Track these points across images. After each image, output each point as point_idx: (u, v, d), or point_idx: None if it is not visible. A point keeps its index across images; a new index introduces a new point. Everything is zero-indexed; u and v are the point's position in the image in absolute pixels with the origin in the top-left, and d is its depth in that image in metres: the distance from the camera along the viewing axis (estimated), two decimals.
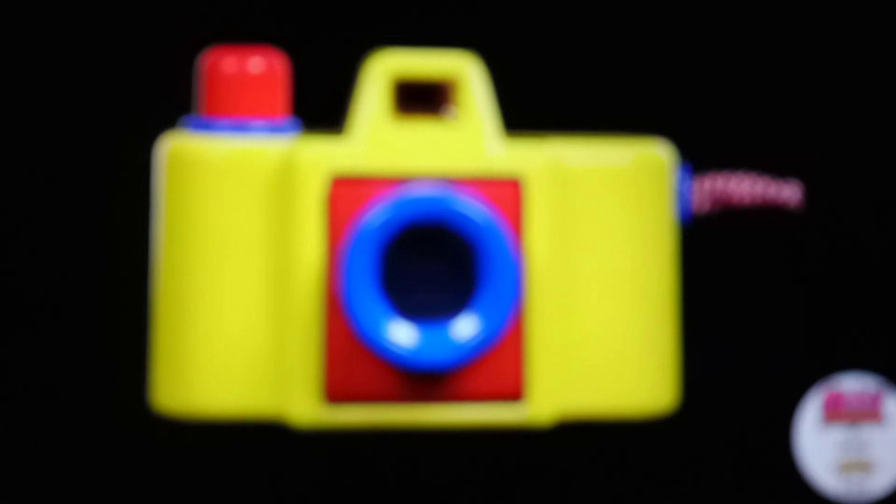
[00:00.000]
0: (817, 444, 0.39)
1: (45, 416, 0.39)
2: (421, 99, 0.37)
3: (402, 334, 0.34)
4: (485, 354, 0.35)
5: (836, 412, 0.39)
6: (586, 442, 0.38)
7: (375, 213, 0.34)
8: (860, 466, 0.39)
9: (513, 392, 0.36)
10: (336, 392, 0.35)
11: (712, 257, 0.40)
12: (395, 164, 0.36)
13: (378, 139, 0.36)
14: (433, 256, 0.35)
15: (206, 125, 0.36)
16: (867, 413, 0.39)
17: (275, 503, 0.39)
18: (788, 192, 0.38)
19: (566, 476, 0.40)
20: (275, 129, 0.36)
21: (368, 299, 0.34)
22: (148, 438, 0.38)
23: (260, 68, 0.36)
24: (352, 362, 0.35)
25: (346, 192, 0.35)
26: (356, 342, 0.35)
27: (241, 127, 0.36)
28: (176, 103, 0.37)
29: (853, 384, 0.39)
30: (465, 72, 0.36)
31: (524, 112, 0.36)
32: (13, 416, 0.39)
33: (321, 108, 0.36)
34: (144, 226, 0.36)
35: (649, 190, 0.37)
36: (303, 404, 0.35)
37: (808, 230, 0.41)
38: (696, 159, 0.38)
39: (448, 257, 0.35)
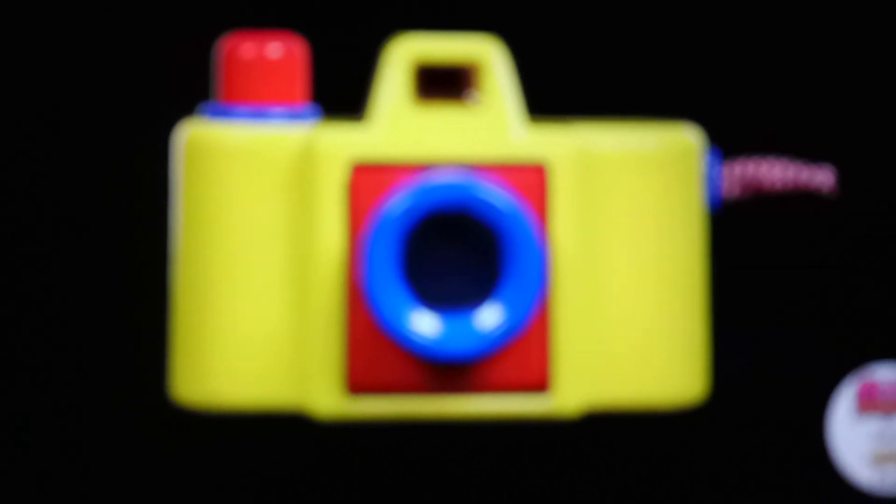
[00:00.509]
0: (851, 434, 0.38)
1: (65, 408, 0.39)
2: (443, 84, 0.36)
3: (424, 324, 0.34)
4: (509, 344, 0.35)
5: (870, 402, 0.38)
6: (613, 433, 0.38)
7: (397, 201, 0.34)
8: (895, 458, 0.38)
9: (538, 383, 0.35)
10: (358, 383, 0.35)
11: (742, 245, 0.39)
12: (416, 151, 0.35)
13: (399, 125, 0.35)
14: (456, 244, 0.35)
15: (224, 112, 0.35)
16: None
17: (296, 495, 0.38)
18: (821, 177, 0.38)
19: (592, 468, 0.39)
20: (294, 115, 0.36)
21: (390, 288, 0.34)
22: (168, 430, 0.38)
23: (279, 54, 0.35)
24: (374, 353, 0.35)
25: (368, 179, 0.35)
26: (378, 332, 0.34)
27: (259, 114, 0.35)
28: (194, 90, 0.37)
29: (888, 374, 0.39)
30: (488, 56, 0.36)
31: (548, 96, 0.36)
32: (33, 407, 0.39)
33: (341, 93, 0.36)
34: (163, 215, 0.36)
35: (678, 176, 0.36)
36: (324, 396, 0.35)
37: (841, 216, 0.40)
38: (725, 144, 0.37)
39: (471, 245, 0.34)
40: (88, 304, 0.39)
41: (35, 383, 0.39)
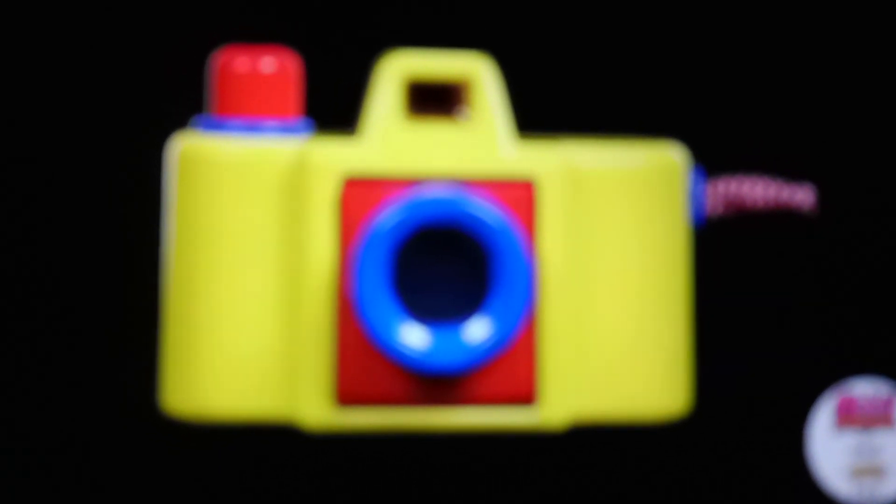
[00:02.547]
0: (830, 448, 0.39)
1: (55, 418, 0.39)
2: (434, 100, 0.37)
3: (414, 337, 0.34)
4: (497, 357, 0.35)
5: (848, 417, 0.39)
6: (599, 446, 0.38)
7: (388, 215, 0.34)
8: (872, 471, 0.39)
9: (525, 395, 0.36)
10: (347, 395, 0.35)
11: (725, 261, 0.40)
12: (407, 166, 0.35)
13: (391, 140, 0.36)
14: (445, 258, 0.35)
15: (217, 125, 0.36)
16: (880, 418, 0.39)
17: None
18: (801, 196, 0.38)
19: (578, 480, 0.39)
20: (287, 129, 0.36)
21: (380, 301, 0.34)
22: (158, 441, 0.38)
23: (272, 68, 0.36)
24: (363, 365, 0.35)
25: (359, 193, 0.35)
26: (368, 344, 0.35)
27: (253, 127, 0.36)
28: (187, 103, 0.37)
29: (866, 389, 0.39)
30: (478, 73, 0.36)
31: (537, 114, 0.36)
32: (23, 417, 0.39)
33: (334, 108, 0.36)
34: (155, 226, 0.36)
35: (662, 193, 0.37)
36: (314, 407, 0.35)
37: (820, 234, 0.41)
38: (709, 162, 0.38)
39: (460, 259, 0.35)
40: (80, 314, 0.39)
41: (26, 393, 0.39)
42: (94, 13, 0.40)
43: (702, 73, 0.42)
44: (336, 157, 0.35)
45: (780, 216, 0.38)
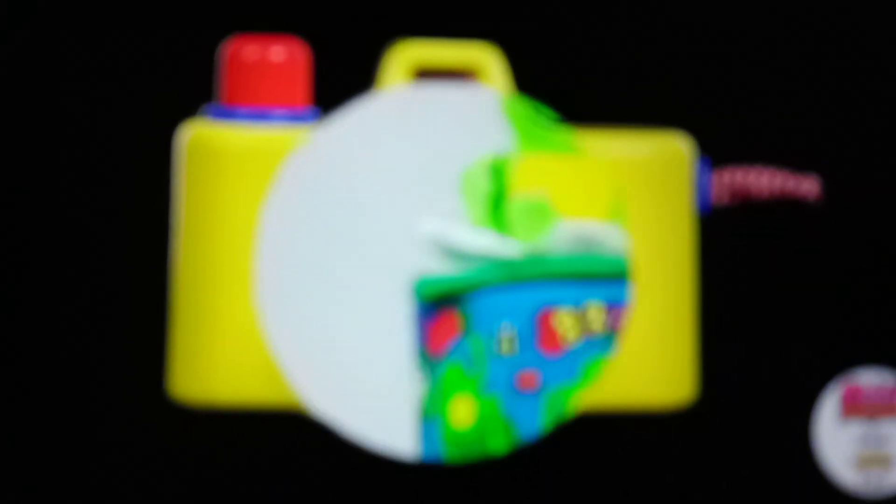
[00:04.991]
0: (836, 438, 0.39)
1: (64, 405, 0.39)
2: None
3: None
4: None
5: (854, 407, 0.39)
6: (604, 434, 0.38)
7: None
8: (878, 461, 0.39)
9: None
10: None
11: (730, 250, 0.40)
12: None
13: None
14: None
15: (226, 113, 0.36)
16: (886, 407, 0.39)
17: (293, 492, 0.38)
18: (806, 186, 0.38)
19: (585, 468, 0.39)
20: (296, 117, 0.36)
21: None
22: (166, 427, 0.38)
23: (281, 57, 0.36)
24: None
25: None
26: None
27: (261, 115, 0.36)
28: (197, 91, 0.37)
29: (872, 378, 0.39)
30: (486, 63, 0.36)
31: (546, 104, 0.36)
32: (34, 404, 0.39)
33: (342, 97, 0.36)
34: (164, 214, 0.36)
35: (668, 182, 0.37)
36: None
37: (825, 223, 0.41)
38: (715, 152, 0.38)
39: None
40: (89, 300, 0.39)
41: (36, 380, 0.39)
42: (104, 2, 0.40)
43: (708, 64, 0.42)
44: None
45: (785, 206, 0.38)
